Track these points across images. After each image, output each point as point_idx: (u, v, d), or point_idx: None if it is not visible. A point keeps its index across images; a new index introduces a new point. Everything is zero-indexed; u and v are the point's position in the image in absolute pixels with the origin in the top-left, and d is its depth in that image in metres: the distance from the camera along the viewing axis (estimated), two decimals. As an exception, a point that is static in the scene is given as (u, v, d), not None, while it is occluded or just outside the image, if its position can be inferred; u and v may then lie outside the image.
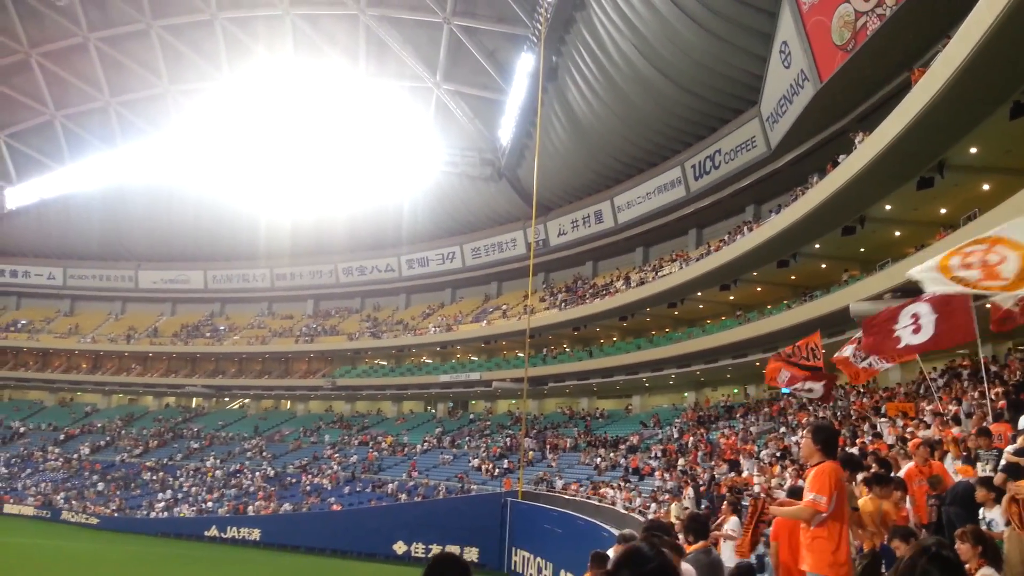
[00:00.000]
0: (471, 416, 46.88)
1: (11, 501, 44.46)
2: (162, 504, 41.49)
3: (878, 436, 15.41)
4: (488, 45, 39.77)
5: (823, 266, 27.39)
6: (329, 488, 39.67)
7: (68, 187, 55.04)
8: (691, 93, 30.50)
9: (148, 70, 49.40)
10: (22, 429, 54.53)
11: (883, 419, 18.01)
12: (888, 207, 22.04)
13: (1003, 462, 6.86)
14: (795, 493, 6.60)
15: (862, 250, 25.22)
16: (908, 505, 7.69)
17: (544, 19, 31.25)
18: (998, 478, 6.39)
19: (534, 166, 32.42)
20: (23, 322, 58.99)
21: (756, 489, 5.59)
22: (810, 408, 24.65)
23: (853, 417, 21.44)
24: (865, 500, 6.92)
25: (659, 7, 27.32)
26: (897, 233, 23.75)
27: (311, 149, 49.19)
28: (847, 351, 12.41)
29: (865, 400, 22.19)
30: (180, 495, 42.60)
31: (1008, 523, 5.70)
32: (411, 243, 51.02)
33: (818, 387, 13.04)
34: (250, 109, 49.19)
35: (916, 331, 6.94)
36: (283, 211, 50.95)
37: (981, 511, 6.24)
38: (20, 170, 55.77)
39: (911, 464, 8.40)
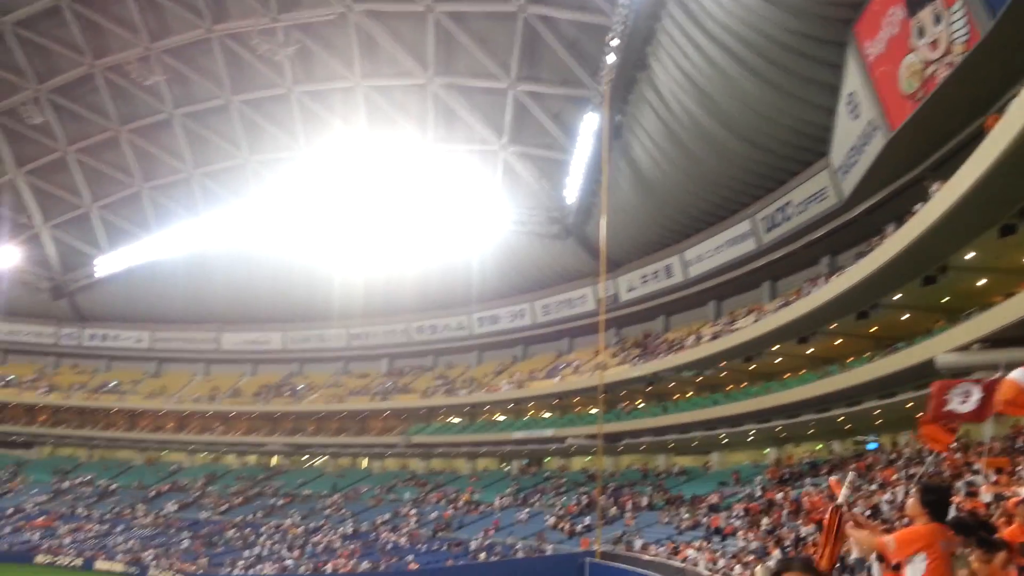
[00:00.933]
0: (546, 473, 46.59)
1: (103, 558, 45.89)
2: (243, 562, 42.22)
3: (972, 495, 14.87)
4: (552, 107, 40.60)
5: (905, 317, 26.69)
6: (407, 546, 39.80)
7: (154, 254, 57.58)
8: (757, 146, 30.46)
9: (228, 142, 51.86)
10: (112, 487, 56.47)
11: (977, 475, 17.35)
12: (970, 255, 21.50)
13: None
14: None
15: (946, 299, 24.54)
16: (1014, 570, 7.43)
17: (607, 81, 31.82)
18: None
19: (601, 223, 32.71)
20: (112, 383, 61.49)
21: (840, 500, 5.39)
22: (898, 464, 23.87)
23: (946, 474, 20.68)
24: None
25: (721, 64, 27.56)
26: (982, 281, 23.07)
27: (381, 210, 50.53)
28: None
29: (958, 456, 21.38)
30: (262, 552, 43.29)
31: None
32: (481, 301, 51.60)
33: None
34: (325, 175, 50.99)
35: (963, 402, 7.50)
36: (355, 271, 52.28)
37: None
38: (110, 239, 58.77)
39: (1014, 524, 8.14)
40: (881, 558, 6.51)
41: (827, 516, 5.48)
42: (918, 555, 4.76)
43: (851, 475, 6.83)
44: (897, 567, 5.75)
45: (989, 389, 8.59)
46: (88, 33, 46.96)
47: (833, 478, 6.12)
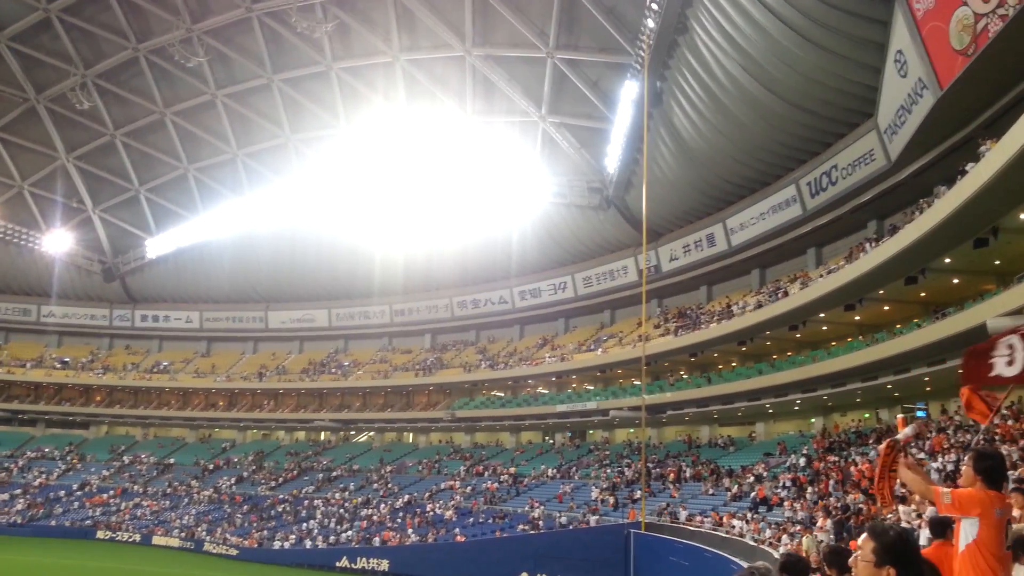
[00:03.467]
0: (590, 446, 46.64)
1: (160, 533, 47.31)
2: (295, 536, 43.15)
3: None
4: (591, 76, 40.10)
5: (955, 281, 25.95)
6: (454, 519, 40.25)
7: (202, 235, 58.73)
8: (802, 109, 29.71)
9: (271, 122, 52.36)
10: (168, 464, 58.08)
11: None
12: (1023, 216, 20.75)
13: None
14: (939, 525, 6.21)
15: (997, 263, 23.77)
16: None
17: (647, 46, 31.26)
18: None
19: (642, 192, 32.30)
20: (165, 363, 63.04)
21: (899, 436, 5.18)
22: (949, 432, 23.33)
23: (998, 440, 20.15)
24: None
25: (764, 24, 26.86)
26: (1035, 243, 22.29)
27: (421, 185, 50.67)
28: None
29: (1011, 423, 20.81)
30: (312, 526, 44.18)
31: None
32: (522, 275, 51.58)
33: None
34: (367, 152, 51.24)
35: (1010, 363, 6.63)
36: (397, 247, 52.61)
37: None
38: (159, 222, 60.01)
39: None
40: (932, 528, 6.29)
41: (882, 448, 5.36)
42: (971, 519, 4.61)
43: (920, 417, 6.66)
44: (946, 528, 5.56)
45: None
46: (131, 17, 47.66)
47: (900, 416, 5.95)
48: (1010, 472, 13.74)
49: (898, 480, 5.36)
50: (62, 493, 53.71)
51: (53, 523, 49.79)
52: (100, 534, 48.13)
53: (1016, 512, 6.72)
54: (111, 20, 47.64)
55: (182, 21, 46.38)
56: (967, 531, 4.65)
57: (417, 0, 41.58)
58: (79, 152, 56.59)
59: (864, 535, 3.25)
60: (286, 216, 55.32)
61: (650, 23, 31.05)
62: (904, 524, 15.47)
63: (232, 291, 62.03)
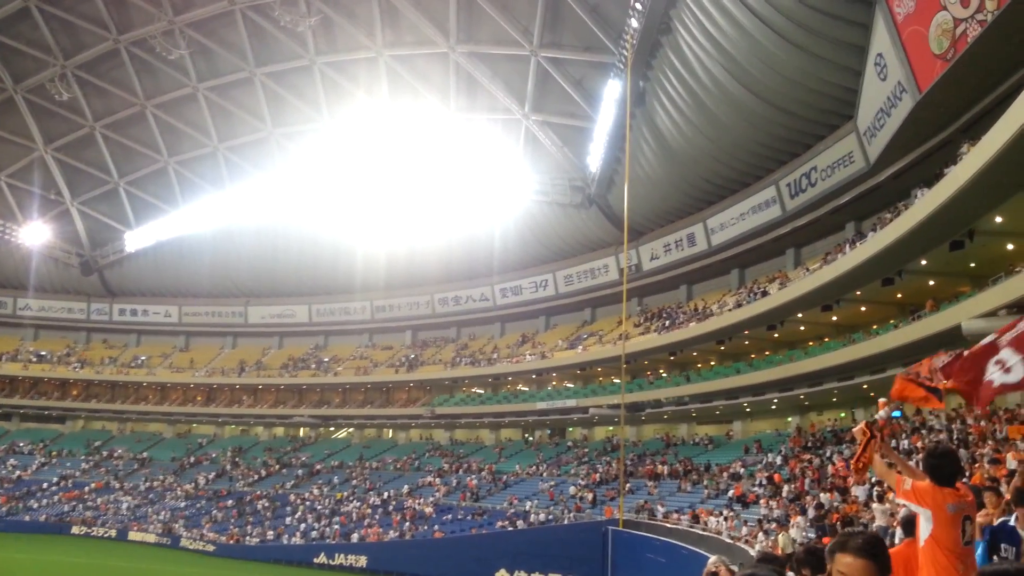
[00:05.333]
0: (569, 443, 46.78)
1: (136, 529, 46.92)
2: (273, 532, 42.94)
3: (995, 462, 14.65)
4: (575, 74, 40.19)
5: (931, 283, 26.28)
6: (432, 515, 40.24)
7: (181, 229, 58.24)
8: (783, 111, 29.97)
9: (253, 115, 52.03)
10: (144, 459, 57.59)
11: (1004, 442, 17.12)
12: (998, 219, 21.05)
13: None
14: (910, 524, 6.35)
15: (972, 265, 24.11)
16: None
17: (630, 45, 31.38)
18: None
19: (624, 191, 32.45)
20: (143, 358, 62.51)
21: (875, 417, 5.43)
22: (923, 432, 23.63)
23: (972, 441, 20.44)
24: None
25: (746, 26, 27.06)
26: (1009, 246, 22.62)
27: (404, 182, 50.57)
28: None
29: (983, 424, 21.10)
30: (290, 523, 44.00)
31: None
32: (503, 272, 51.63)
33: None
34: (349, 147, 51.05)
35: (1006, 371, 7.18)
36: (379, 244, 52.47)
37: None
38: (138, 215, 59.46)
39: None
40: (904, 527, 6.42)
41: (860, 427, 5.51)
42: (924, 512, 4.78)
43: (895, 403, 6.77)
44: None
45: None
46: (112, 8, 47.15)
47: (883, 399, 6.08)
48: (996, 474, 13.97)
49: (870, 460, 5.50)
50: (36, 488, 53.11)
51: (27, 518, 49.22)
52: (75, 529, 47.63)
53: (989, 510, 6.85)
54: (91, 11, 47.12)
55: (164, 13, 45.98)
56: (924, 527, 4.82)
57: (401, -4, 41.49)
58: (58, 144, 55.93)
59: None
60: (267, 211, 55.00)
61: (634, 23, 31.18)
62: (879, 524, 15.69)
63: (212, 286, 61.59)
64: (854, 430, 5.88)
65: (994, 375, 8.23)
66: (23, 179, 58.12)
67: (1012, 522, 5.78)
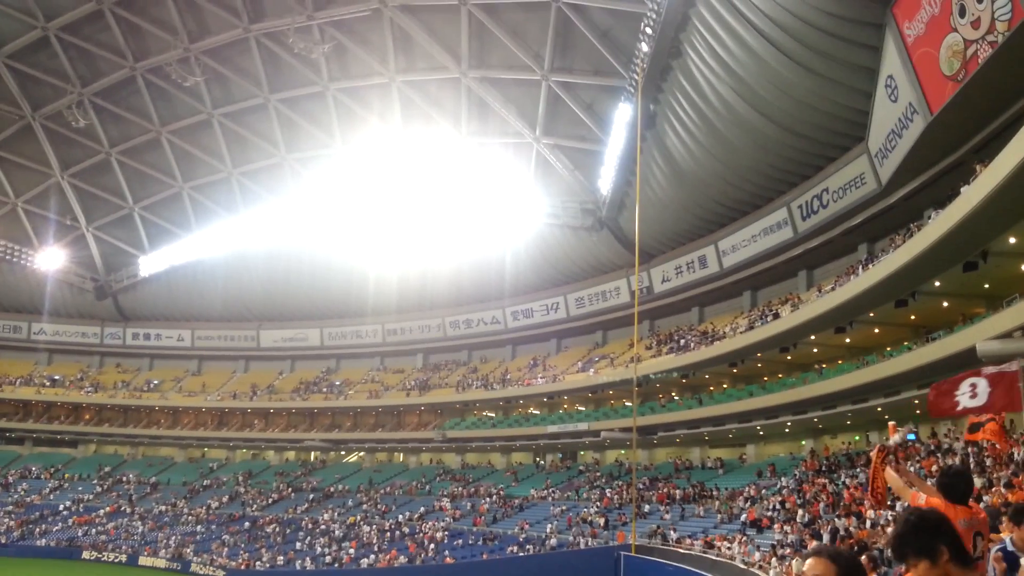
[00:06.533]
0: (580, 467, 46.47)
1: (147, 553, 46.78)
2: (284, 557, 42.72)
3: (1009, 486, 14.47)
4: (585, 98, 40.44)
5: (945, 304, 26.11)
6: (443, 541, 39.95)
7: (195, 254, 58.58)
8: (794, 133, 30.01)
9: (267, 141, 52.51)
10: (155, 484, 57.56)
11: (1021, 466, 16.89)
12: (1012, 240, 20.94)
13: None
14: None
15: (986, 286, 23.96)
16: None
17: (640, 69, 31.56)
18: None
19: (635, 214, 32.48)
20: (155, 382, 62.69)
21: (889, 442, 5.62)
22: (938, 455, 23.35)
23: (988, 464, 20.19)
24: None
25: (757, 49, 27.18)
26: (1024, 266, 22.49)
27: (415, 205, 50.78)
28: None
29: (998, 446, 20.83)
30: (301, 547, 43.75)
31: None
32: (515, 295, 51.62)
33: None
34: (362, 172, 51.37)
35: (972, 397, 8.27)
36: (391, 267, 52.62)
37: None
38: (152, 240, 59.90)
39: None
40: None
41: (875, 452, 5.67)
42: None
43: (909, 426, 6.96)
44: None
45: (997, 381, 9.00)
46: (129, 36, 47.87)
47: (892, 422, 6.18)
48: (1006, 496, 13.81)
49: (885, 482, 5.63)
50: (48, 512, 53.13)
51: (39, 542, 49.18)
52: (86, 554, 47.52)
53: (1006, 534, 6.78)
54: (109, 39, 47.84)
55: (180, 41, 46.62)
56: None
57: (414, 22, 41.94)
58: (74, 170, 56.56)
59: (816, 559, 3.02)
60: (280, 235, 55.27)
61: (644, 47, 31.38)
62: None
63: (224, 310, 61.83)
64: (871, 454, 6.02)
65: (961, 396, 9.06)
66: (40, 205, 58.75)
67: (1009, 546, 5.73)
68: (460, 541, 39.29)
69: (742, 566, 23.45)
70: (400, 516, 44.87)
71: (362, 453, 58.70)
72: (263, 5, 44.99)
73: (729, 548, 25.78)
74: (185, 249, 58.87)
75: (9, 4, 45.74)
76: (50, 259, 60.84)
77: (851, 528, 21.09)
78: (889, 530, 17.43)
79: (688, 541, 28.89)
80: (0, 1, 45.55)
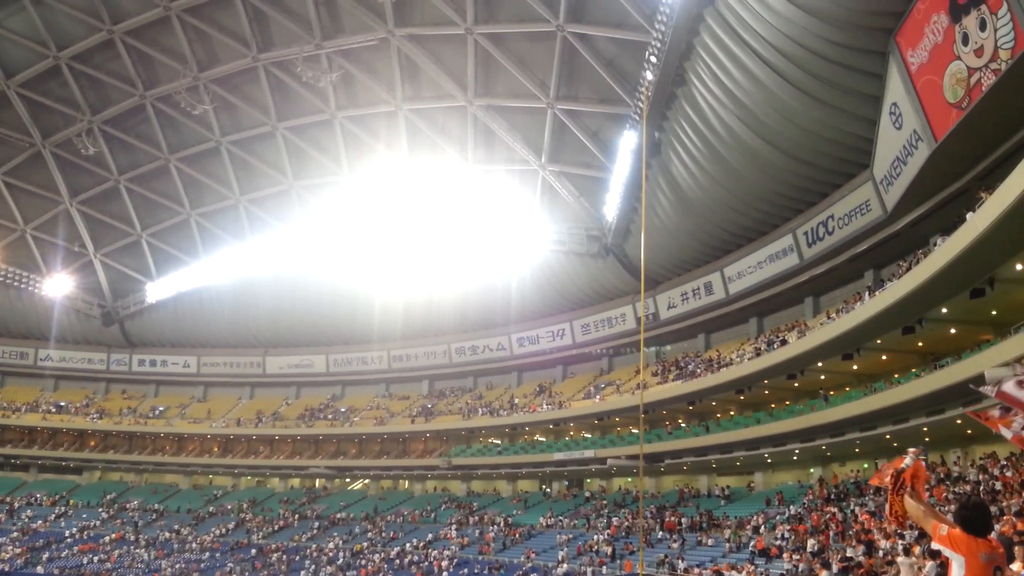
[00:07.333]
0: (586, 495, 46.15)
1: (150, 581, 46.46)
2: (288, 585, 42.39)
3: (1020, 515, 14.35)
4: (591, 126, 40.72)
5: (952, 331, 26.03)
6: (449, 569, 39.60)
7: (202, 280, 58.78)
8: (799, 160, 30.12)
9: (275, 169, 52.90)
10: (160, 511, 57.28)
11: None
12: (1019, 266, 20.92)
13: None
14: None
15: (994, 313, 23.90)
16: None
17: (645, 97, 31.79)
18: None
19: (641, 241, 32.56)
20: (161, 408, 62.64)
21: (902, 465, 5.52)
22: (948, 483, 23.18)
23: (1000, 492, 20.03)
24: None
25: (761, 77, 27.38)
26: (1031, 293, 22.43)
27: (421, 232, 50.98)
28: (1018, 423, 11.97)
29: (1009, 473, 20.70)
30: (306, 575, 43.43)
31: None
32: (520, 322, 51.61)
33: None
34: (369, 199, 51.66)
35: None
36: (396, 294, 52.70)
37: None
38: (160, 266, 60.16)
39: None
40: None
41: (889, 477, 5.68)
42: (957, 558, 4.92)
43: (919, 447, 6.86)
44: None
45: None
46: (139, 65, 48.47)
47: (912, 448, 6.11)
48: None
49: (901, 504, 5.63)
50: (53, 539, 52.86)
51: (41, 569, 48.87)
52: (89, 582, 47.22)
53: (1016, 566, 6.79)
54: (120, 68, 48.44)
55: (189, 70, 47.18)
56: (956, 572, 4.94)
57: (421, 52, 42.41)
58: (83, 197, 56.98)
59: None
60: (287, 262, 55.47)
61: (649, 75, 31.62)
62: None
63: (231, 336, 61.93)
64: (884, 479, 5.99)
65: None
66: (48, 231, 59.11)
67: None
68: (465, 571, 38.92)
69: (751, 596, 23.20)
70: (407, 544, 44.53)
71: (367, 480, 58.42)
72: (272, 34, 45.56)
73: (738, 577, 25.53)
74: (192, 276, 59.07)
75: (22, 34, 46.49)
76: (58, 285, 61.09)
77: (860, 557, 20.88)
78: (899, 559, 17.26)
79: (696, 571, 28.59)
80: (14, 31, 46.33)
